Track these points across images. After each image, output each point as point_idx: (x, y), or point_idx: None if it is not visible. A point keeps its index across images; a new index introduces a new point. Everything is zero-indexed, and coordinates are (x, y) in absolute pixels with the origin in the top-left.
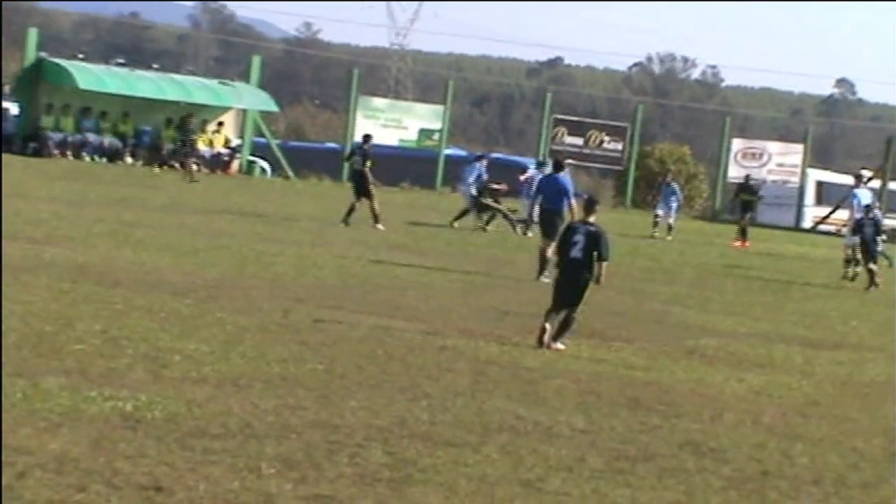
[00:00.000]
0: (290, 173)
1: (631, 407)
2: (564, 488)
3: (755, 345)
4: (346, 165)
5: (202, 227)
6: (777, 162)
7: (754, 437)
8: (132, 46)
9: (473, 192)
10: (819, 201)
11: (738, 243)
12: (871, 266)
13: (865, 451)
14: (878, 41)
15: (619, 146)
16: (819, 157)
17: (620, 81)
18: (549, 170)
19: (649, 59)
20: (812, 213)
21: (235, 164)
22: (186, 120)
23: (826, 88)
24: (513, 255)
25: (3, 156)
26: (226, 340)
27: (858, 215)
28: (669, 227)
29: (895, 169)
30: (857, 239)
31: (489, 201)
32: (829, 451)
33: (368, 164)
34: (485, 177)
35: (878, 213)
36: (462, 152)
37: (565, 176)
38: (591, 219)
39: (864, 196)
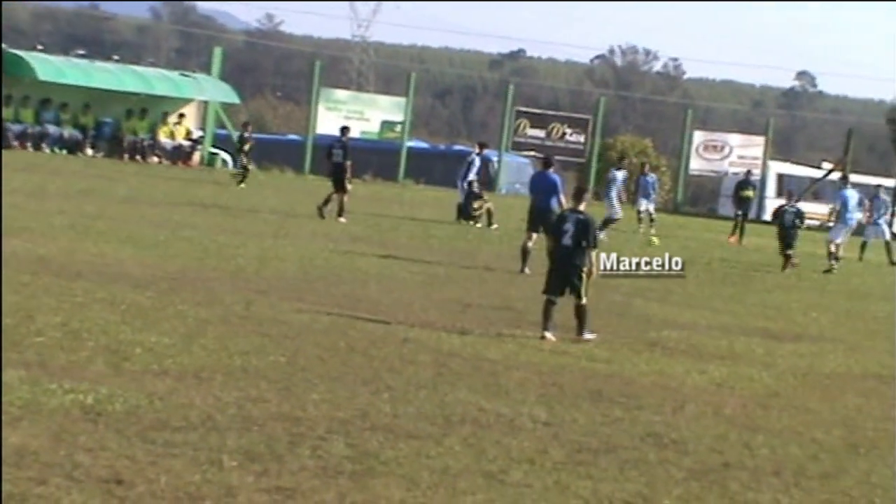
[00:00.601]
0: (252, 165)
1: (593, 399)
2: (526, 480)
3: (716, 337)
4: (327, 159)
5: (163, 219)
6: (738, 154)
7: (715, 429)
8: (92, 37)
9: (474, 187)
10: (780, 193)
11: (732, 239)
12: (788, 252)
13: (825, 442)
14: (839, 34)
15: (581, 138)
16: (780, 149)
17: (582, 74)
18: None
19: (611, 51)
20: (773, 204)
21: (197, 156)
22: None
23: (787, 81)
24: (475, 247)
25: None
26: (187, 333)
27: (848, 215)
28: (651, 219)
29: (855, 161)
30: (841, 235)
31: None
32: (790, 442)
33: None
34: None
35: (798, 204)
36: (424, 144)
37: (554, 173)
38: (581, 207)
39: (853, 196)
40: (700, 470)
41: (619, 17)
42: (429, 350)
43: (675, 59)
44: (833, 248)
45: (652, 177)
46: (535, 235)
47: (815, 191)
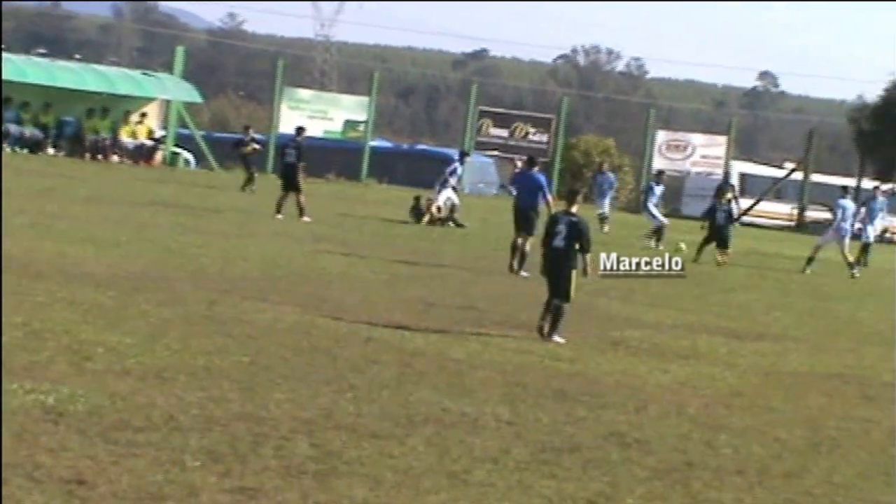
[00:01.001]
0: (215, 165)
1: (556, 398)
2: (489, 479)
3: (679, 336)
4: (279, 158)
5: (126, 218)
6: (701, 154)
7: (678, 428)
8: (54, 36)
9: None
10: (742, 193)
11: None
12: (724, 252)
13: (788, 441)
14: (801, 34)
15: (545, 138)
16: (742, 148)
17: (546, 73)
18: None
19: (574, 51)
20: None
21: (159, 156)
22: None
23: (749, 81)
24: (439, 246)
25: None
26: (150, 333)
27: (844, 224)
28: (603, 219)
29: (817, 161)
30: (830, 242)
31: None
32: (753, 441)
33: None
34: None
35: (734, 204)
36: (388, 144)
37: (539, 172)
38: (573, 209)
39: (850, 206)
40: (663, 469)
41: (582, 16)
42: (392, 349)
43: (638, 59)
44: (814, 252)
45: (610, 175)
46: (522, 234)
47: (777, 190)
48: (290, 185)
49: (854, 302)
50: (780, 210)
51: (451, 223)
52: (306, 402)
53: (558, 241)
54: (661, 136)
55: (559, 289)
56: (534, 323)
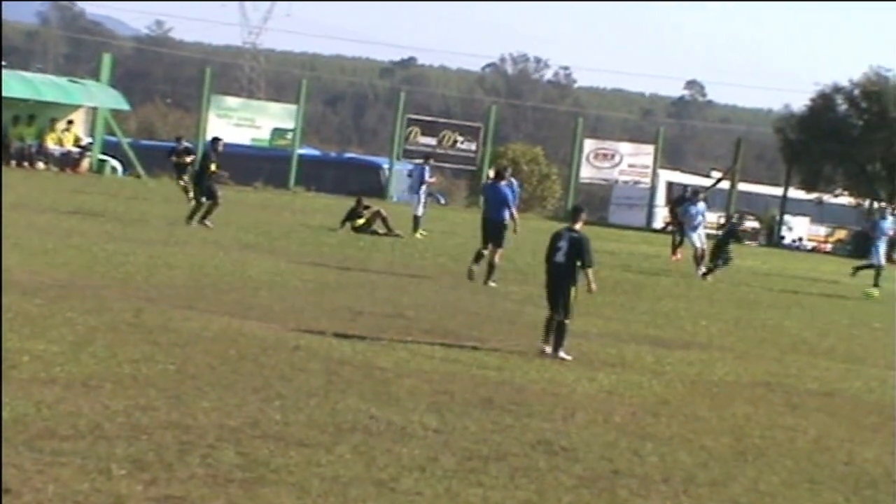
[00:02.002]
0: (142, 172)
1: (484, 407)
2: (417, 488)
3: (607, 344)
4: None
5: (51, 226)
6: (628, 163)
7: (605, 436)
8: None
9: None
10: (669, 202)
11: (674, 257)
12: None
13: (714, 449)
14: (728, 43)
15: (473, 146)
16: (670, 157)
17: (474, 82)
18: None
19: (502, 59)
20: (663, 213)
21: (86, 163)
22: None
23: (676, 90)
24: (366, 254)
25: None
26: (76, 341)
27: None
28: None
29: (744, 170)
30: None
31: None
32: (679, 449)
33: (215, 166)
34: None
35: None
36: (316, 152)
37: (506, 185)
38: (577, 226)
39: (702, 208)
40: (590, 477)
41: (511, 25)
42: (320, 358)
43: (566, 68)
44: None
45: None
46: (490, 247)
47: (704, 199)
48: (206, 191)
49: (779, 311)
50: (707, 219)
51: (385, 231)
52: (233, 411)
53: (560, 257)
54: (589, 145)
55: (559, 304)
56: (462, 332)
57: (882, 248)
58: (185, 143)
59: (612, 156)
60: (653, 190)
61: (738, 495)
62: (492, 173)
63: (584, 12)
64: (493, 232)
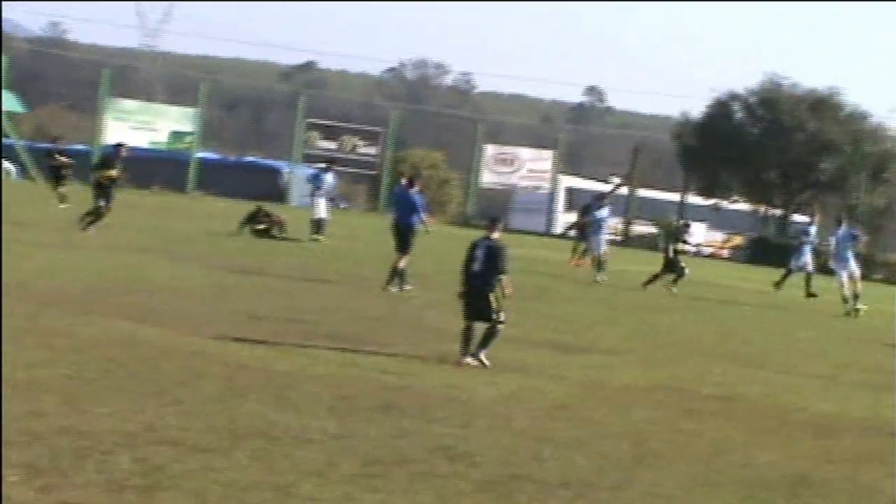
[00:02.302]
0: (38, 176)
1: (384, 412)
2: (316, 493)
3: (507, 349)
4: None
5: None
6: (529, 168)
7: (505, 441)
8: None
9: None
10: (569, 207)
11: (574, 262)
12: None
13: (613, 453)
14: (627, 50)
15: (373, 151)
16: (570, 163)
17: (373, 86)
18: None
19: (402, 64)
20: (563, 218)
21: None
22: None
23: (576, 96)
24: (266, 259)
25: None
26: None
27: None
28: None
29: (642, 176)
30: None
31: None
32: (578, 454)
33: (116, 171)
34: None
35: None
36: (215, 155)
37: (417, 192)
38: (494, 235)
39: (605, 213)
40: (489, 482)
41: (410, 30)
42: (218, 363)
43: (466, 73)
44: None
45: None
46: (401, 253)
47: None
48: (106, 195)
49: (678, 315)
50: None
51: (283, 236)
52: (130, 416)
53: (477, 266)
54: (490, 150)
55: (481, 312)
56: (363, 337)
57: (808, 254)
58: (61, 146)
59: (513, 161)
60: (552, 195)
61: (636, 499)
62: (404, 180)
63: (483, 18)
64: (401, 238)
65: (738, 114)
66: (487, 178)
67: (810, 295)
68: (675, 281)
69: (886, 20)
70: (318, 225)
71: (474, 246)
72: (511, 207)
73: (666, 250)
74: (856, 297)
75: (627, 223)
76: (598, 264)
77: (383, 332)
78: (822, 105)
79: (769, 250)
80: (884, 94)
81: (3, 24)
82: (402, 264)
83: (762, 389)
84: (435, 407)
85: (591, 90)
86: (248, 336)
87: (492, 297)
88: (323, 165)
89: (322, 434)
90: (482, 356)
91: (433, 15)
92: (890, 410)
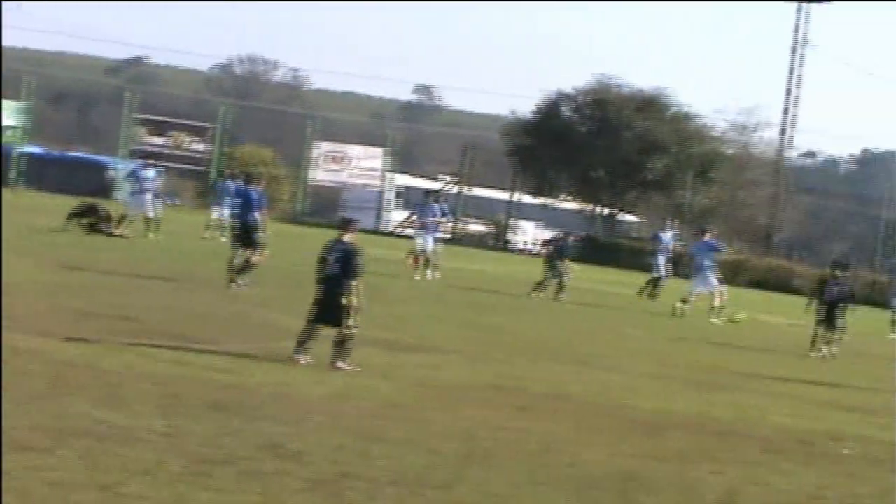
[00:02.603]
0: None
1: (212, 410)
2: (143, 492)
3: None
4: None
5: None
6: (359, 166)
7: (335, 439)
8: None
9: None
10: (400, 205)
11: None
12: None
13: (443, 451)
14: (459, 48)
15: (202, 147)
16: (401, 161)
17: (202, 82)
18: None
19: (230, 60)
20: (394, 216)
21: None
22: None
23: (406, 94)
24: (94, 255)
25: None
26: None
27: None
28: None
29: (472, 174)
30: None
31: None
32: (408, 452)
33: None
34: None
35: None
36: (39, 149)
37: (256, 189)
38: (346, 237)
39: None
40: (318, 480)
41: (240, 26)
42: (44, 360)
43: (297, 70)
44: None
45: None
46: (240, 251)
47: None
48: None
49: (509, 314)
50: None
51: (110, 232)
52: None
53: (331, 269)
54: (320, 148)
55: (334, 317)
56: (192, 335)
57: (662, 260)
58: None
59: (344, 158)
60: (383, 193)
61: (466, 497)
62: (242, 178)
63: (314, 14)
64: (244, 235)
65: (568, 113)
66: (319, 175)
67: (651, 296)
68: (560, 287)
69: (713, 23)
70: (148, 223)
71: (327, 249)
72: (342, 205)
73: (551, 263)
74: (722, 308)
75: (456, 221)
76: (426, 262)
77: (214, 329)
78: (650, 105)
79: (598, 249)
80: (709, 95)
81: None
82: (252, 258)
83: (590, 388)
84: (264, 404)
85: (421, 88)
86: (75, 334)
87: (344, 302)
88: (141, 161)
89: (149, 432)
90: (344, 364)
91: (264, 11)
92: (716, 408)
